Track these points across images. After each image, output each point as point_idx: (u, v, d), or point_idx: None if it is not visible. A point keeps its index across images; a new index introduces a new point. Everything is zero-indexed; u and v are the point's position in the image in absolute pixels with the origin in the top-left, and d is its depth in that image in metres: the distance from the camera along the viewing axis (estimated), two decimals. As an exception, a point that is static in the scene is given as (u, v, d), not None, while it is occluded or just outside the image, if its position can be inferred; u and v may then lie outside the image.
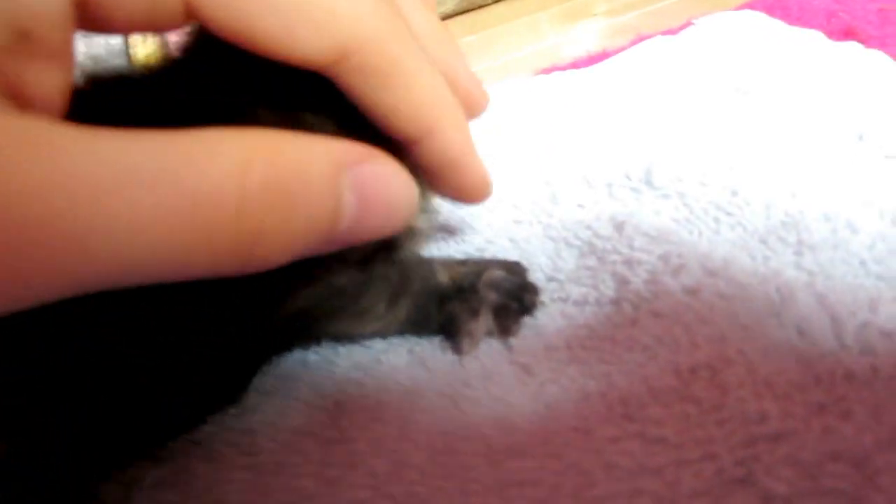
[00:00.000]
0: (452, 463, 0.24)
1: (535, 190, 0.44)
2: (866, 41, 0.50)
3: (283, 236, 0.15)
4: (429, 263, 0.33)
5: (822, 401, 0.23)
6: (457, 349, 0.31)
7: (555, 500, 0.22)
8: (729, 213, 0.34)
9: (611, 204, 0.40)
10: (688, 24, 0.62)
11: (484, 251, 0.41)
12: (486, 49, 0.78)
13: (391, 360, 0.32)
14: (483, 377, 0.29)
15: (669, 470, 0.22)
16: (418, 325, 0.33)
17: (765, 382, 0.23)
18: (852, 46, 0.49)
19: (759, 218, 0.33)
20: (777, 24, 0.56)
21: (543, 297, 0.34)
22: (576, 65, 0.63)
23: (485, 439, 0.26)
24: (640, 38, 0.63)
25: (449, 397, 0.29)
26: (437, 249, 0.44)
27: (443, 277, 0.33)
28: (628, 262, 0.31)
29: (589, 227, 0.36)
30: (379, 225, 0.18)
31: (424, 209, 0.33)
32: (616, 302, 0.30)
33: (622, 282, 0.30)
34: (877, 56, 0.46)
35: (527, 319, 0.33)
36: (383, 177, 0.18)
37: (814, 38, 0.52)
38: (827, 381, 0.23)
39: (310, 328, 0.31)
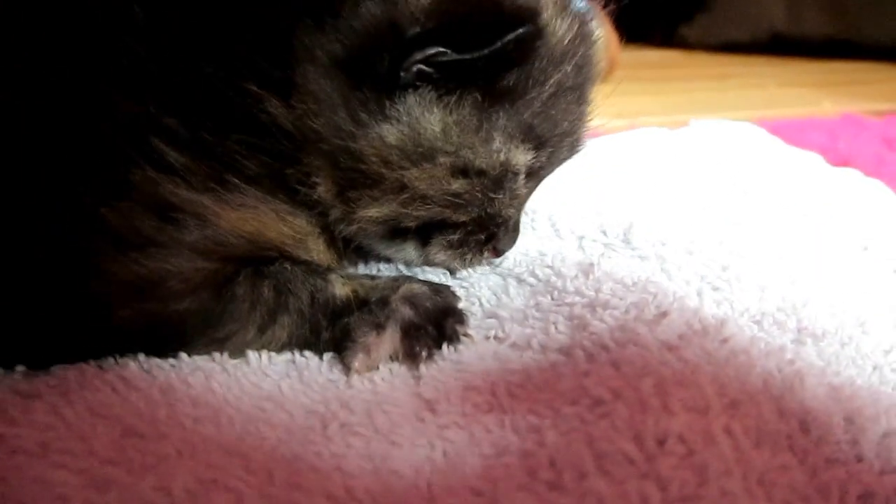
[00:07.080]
0: (285, 499, 0.16)
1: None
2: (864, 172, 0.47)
3: None
4: (321, 275, 0.27)
5: (833, 523, 0.16)
6: (346, 364, 0.24)
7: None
8: (715, 288, 0.28)
9: (577, 255, 0.34)
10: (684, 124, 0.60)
11: (415, 276, 0.34)
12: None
13: (262, 359, 0.24)
14: (370, 402, 0.21)
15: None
16: (306, 345, 0.25)
17: (758, 479, 0.16)
18: (852, 172, 0.46)
19: (752, 298, 0.27)
20: (776, 140, 0.54)
21: (476, 333, 0.27)
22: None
23: (344, 480, 0.17)
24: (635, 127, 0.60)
25: (319, 417, 0.21)
26: (360, 268, 0.37)
27: (340, 290, 0.26)
28: (591, 306, 0.24)
29: (549, 266, 0.29)
30: None
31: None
32: (567, 350, 0.23)
33: (580, 326, 0.24)
34: (876, 183, 0.43)
35: (446, 352, 0.25)
36: None
37: (813, 159, 0.49)
38: (837, 496, 0.16)
39: (157, 349, 0.24)
